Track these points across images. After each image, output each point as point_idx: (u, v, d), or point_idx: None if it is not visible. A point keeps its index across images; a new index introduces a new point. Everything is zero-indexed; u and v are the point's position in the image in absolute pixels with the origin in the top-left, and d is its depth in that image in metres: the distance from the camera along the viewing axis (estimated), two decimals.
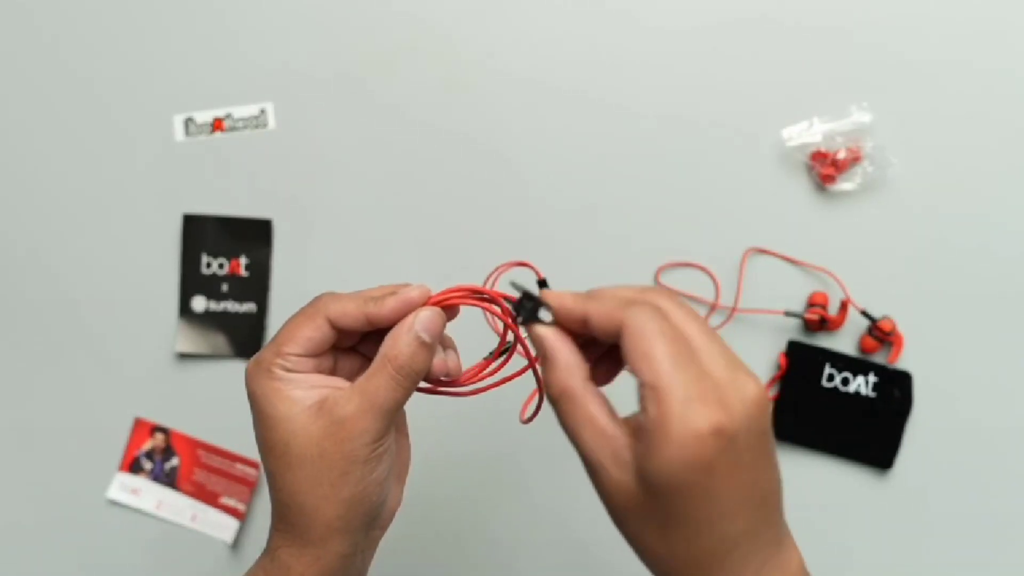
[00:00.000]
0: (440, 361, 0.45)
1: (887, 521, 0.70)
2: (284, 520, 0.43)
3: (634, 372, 0.36)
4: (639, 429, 0.36)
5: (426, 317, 0.43)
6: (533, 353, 0.43)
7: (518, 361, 0.45)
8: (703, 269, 0.71)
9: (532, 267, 0.46)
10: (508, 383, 0.46)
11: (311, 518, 0.42)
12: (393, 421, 0.43)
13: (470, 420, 0.69)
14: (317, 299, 0.44)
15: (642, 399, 0.36)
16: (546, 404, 0.41)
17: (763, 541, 0.38)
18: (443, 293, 0.44)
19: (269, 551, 0.44)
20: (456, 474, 0.70)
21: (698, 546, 0.37)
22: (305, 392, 0.42)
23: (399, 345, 0.42)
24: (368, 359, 0.44)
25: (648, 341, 0.36)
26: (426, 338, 0.42)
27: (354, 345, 0.47)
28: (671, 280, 0.71)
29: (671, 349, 0.36)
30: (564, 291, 0.40)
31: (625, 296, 0.38)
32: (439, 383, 0.46)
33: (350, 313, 0.43)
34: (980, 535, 0.70)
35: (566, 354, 0.39)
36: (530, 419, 0.48)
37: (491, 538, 0.71)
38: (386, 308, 0.43)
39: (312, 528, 0.42)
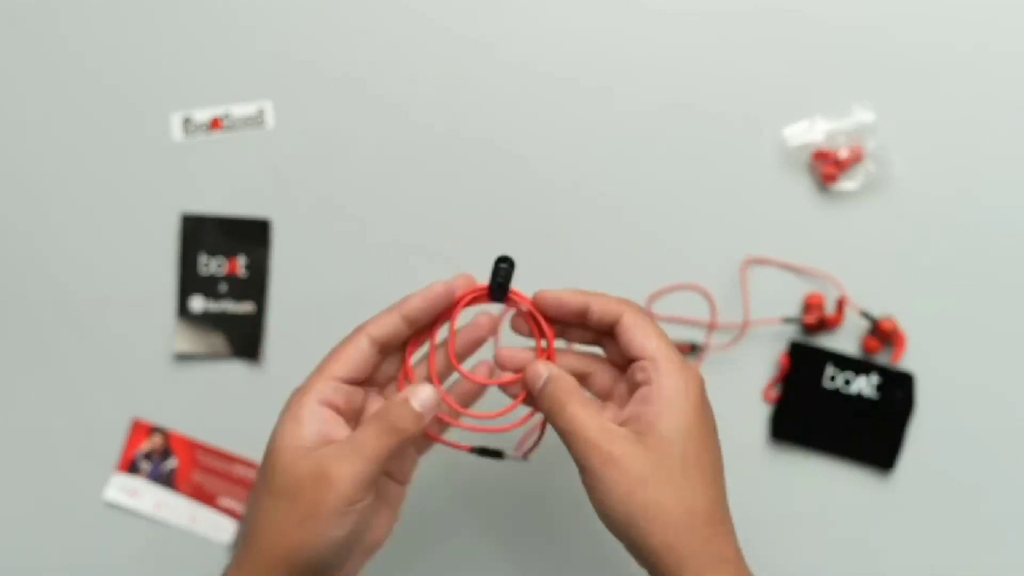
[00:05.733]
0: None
1: (888, 522, 0.70)
2: (242, 545, 0.46)
3: (633, 350, 0.47)
4: (643, 400, 0.46)
5: (426, 396, 0.46)
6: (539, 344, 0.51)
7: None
8: (699, 290, 0.70)
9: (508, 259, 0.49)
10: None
11: (262, 548, 0.44)
12: (375, 478, 0.45)
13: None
14: (358, 327, 0.48)
15: (643, 370, 0.47)
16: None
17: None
18: (466, 293, 0.49)
19: None
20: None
21: (711, 493, 0.45)
22: (313, 432, 0.45)
23: (392, 407, 0.46)
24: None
25: (648, 327, 0.48)
26: (417, 408, 0.46)
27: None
28: (666, 295, 0.71)
29: (661, 333, 0.48)
30: (560, 288, 0.49)
31: (615, 298, 0.49)
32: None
33: (386, 320, 0.47)
34: (982, 536, 0.70)
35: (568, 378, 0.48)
36: (528, 452, 0.51)
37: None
38: (414, 300, 0.47)
39: (260, 559, 0.44)
